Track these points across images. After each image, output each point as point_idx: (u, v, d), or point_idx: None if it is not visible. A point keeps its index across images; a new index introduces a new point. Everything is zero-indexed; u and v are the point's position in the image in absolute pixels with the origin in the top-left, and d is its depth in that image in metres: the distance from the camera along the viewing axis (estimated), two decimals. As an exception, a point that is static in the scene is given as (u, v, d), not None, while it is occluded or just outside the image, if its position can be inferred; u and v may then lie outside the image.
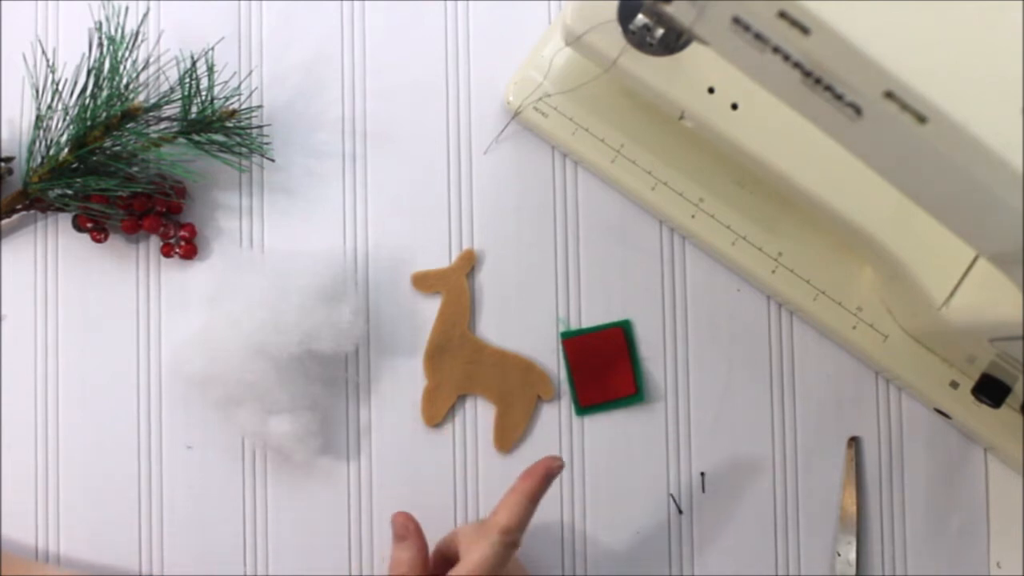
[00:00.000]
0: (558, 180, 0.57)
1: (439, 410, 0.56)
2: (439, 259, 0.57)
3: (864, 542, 0.57)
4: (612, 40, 0.47)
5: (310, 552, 0.55)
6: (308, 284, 0.52)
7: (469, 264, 0.56)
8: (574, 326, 0.56)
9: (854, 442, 0.57)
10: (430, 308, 0.56)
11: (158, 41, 0.57)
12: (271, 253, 0.56)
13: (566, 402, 0.56)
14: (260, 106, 0.57)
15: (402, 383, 0.56)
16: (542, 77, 0.55)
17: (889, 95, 0.32)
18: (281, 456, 0.55)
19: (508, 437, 0.56)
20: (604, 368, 0.55)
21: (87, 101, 0.53)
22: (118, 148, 0.53)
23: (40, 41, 0.57)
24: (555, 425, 0.56)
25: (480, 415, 0.56)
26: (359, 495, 0.56)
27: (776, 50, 0.34)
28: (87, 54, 0.54)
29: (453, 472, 0.56)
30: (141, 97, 0.56)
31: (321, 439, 0.55)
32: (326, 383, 0.55)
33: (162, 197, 0.55)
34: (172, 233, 0.56)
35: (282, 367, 0.52)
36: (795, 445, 0.57)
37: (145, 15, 0.57)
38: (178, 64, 0.56)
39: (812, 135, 0.38)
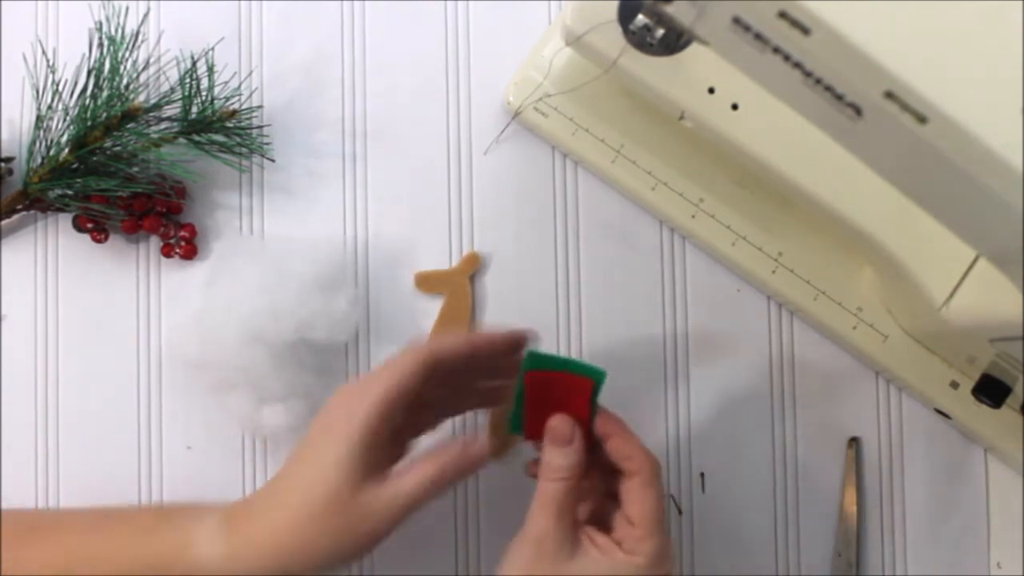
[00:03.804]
0: (558, 180, 0.57)
1: (504, 446, 0.56)
2: (439, 259, 0.57)
3: (864, 542, 0.57)
4: (612, 40, 0.47)
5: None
6: (306, 272, 0.52)
7: (473, 267, 0.56)
8: (562, 337, 0.56)
9: (854, 442, 0.57)
10: (430, 305, 0.56)
11: (158, 41, 0.57)
12: (270, 240, 0.56)
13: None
14: (260, 106, 0.57)
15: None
16: (542, 77, 0.55)
17: (889, 95, 0.32)
18: (273, 445, 0.55)
19: (501, 443, 0.56)
20: (561, 412, 0.47)
21: (87, 101, 0.53)
22: (118, 148, 0.53)
23: (40, 41, 0.57)
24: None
25: (479, 416, 0.56)
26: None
27: (776, 50, 0.34)
28: (87, 54, 0.54)
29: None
30: (141, 97, 0.56)
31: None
32: (320, 372, 0.55)
33: (162, 197, 0.55)
34: (172, 233, 0.56)
35: (277, 354, 0.52)
36: (795, 445, 0.57)
37: (145, 15, 0.57)
38: (178, 64, 0.56)
39: (812, 135, 0.38)
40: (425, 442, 0.49)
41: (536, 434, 0.47)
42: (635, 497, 0.44)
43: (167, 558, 0.43)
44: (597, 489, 0.48)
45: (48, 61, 0.56)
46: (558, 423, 0.45)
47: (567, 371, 0.46)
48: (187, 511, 0.45)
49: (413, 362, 0.43)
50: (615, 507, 0.46)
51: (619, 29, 0.47)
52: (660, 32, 0.47)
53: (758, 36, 0.34)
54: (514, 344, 0.46)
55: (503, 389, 0.49)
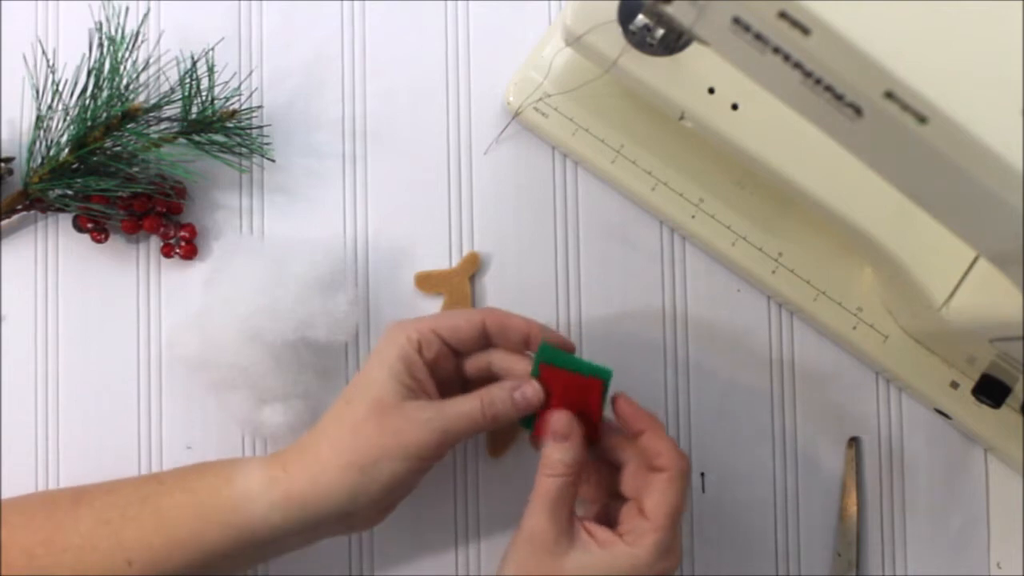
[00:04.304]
0: (558, 180, 0.57)
1: (503, 444, 0.56)
2: (439, 259, 0.57)
3: (864, 542, 0.57)
4: (612, 40, 0.47)
5: (309, 551, 0.55)
6: (306, 272, 0.52)
7: (473, 267, 0.56)
8: (573, 331, 0.56)
9: (854, 442, 0.57)
10: (430, 305, 0.56)
11: (158, 41, 0.57)
12: (270, 240, 0.56)
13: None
14: (260, 106, 0.57)
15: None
16: (542, 77, 0.55)
17: (889, 95, 0.32)
18: (273, 445, 0.55)
19: (500, 443, 0.56)
20: (573, 410, 0.47)
21: (87, 101, 0.53)
22: (118, 148, 0.53)
23: (40, 41, 0.57)
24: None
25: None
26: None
27: (776, 50, 0.34)
28: (87, 54, 0.54)
29: (453, 473, 0.56)
30: (141, 97, 0.56)
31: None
32: (319, 373, 0.55)
33: (162, 197, 0.55)
34: (172, 233, 0.56)
35: (276, 354, 0.52)
36: (795, 445, 0.57)
37: (145, 15, 0.57)
38: (178, 64, 0.56)
39: (812, 135, 0.38)
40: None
41: (545, 430, 0.47)
42: (657, 490, 0.44)
43: (210, 496, 0.44)
44: (603, 487, 0.48)
45: (48, 61, 0.56)
46: (557, 419, 0.45)
47: (577, 371, 0.46)
48: (231, 459, 0.47)
49: (467, 315, 0.47)
50: (620, 504, 0.46)
51: (619, 29, 0.47)
52: (660, 32, 0.47)
53: (758, 36, 0.34)
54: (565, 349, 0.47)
55: None
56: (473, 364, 0.48)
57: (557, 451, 0.45)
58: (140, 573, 0.44)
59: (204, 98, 0.53)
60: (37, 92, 0.54)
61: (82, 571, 0.43)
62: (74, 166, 0.53)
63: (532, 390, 0.46)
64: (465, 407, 0.45)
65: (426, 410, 0.44)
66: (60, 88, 0.53)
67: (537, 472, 0.45)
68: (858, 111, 0.34)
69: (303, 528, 0.44)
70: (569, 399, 0.46)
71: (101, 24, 0.54)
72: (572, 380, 0.46)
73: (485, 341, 0.48)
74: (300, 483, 0.44)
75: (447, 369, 0.48)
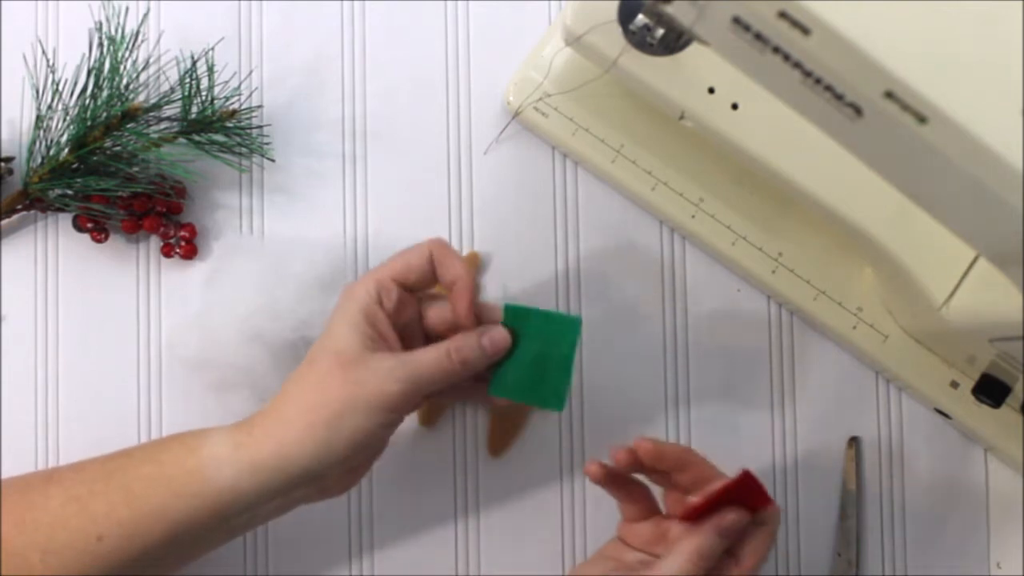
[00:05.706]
0: (558, 180, 0.57)
1: (435, 412, 0.56)
2: (439, 259, 0.57)
3: (864, 542, 0.57)
4: (612, 40, 0.47)
5: (309, 551, 0.55)
6: (306, 271, 0.52)
7: (473, 267, 0.56)
8: None
9: (854, 442, 0.57)
10: (430, 308, 0.56)
11: (158, 41, 0.57)
12: (270, 240, 0.56)
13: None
14: (260, 106, 0.57)
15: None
16: (542, 77, 0.55)
17: (889, 95, 0.32)
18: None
19: (500, 443, 0.56)
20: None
21: (87, 101, 0.53)
22: (118, 148, 0.54)
23: (40, 41, 0.57)
24: (553, 426, 0.56)
25: (479, 417, 0.56)
26: (358, 493, 0.56)
27: (776, 50, 0.34)
28: (87, 54, 0.54)
29: (453, 473, 0.56)
30: (141, 97, 0.56)
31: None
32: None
33: (162, 197, 0.55)
34: (172, 233, 0.56)
35: (276, 353, 0.52)
36: (795, 445, 0.57)
37: (145, 15, 0.57)
38: (178, 64, 0.56)
39: (812, 135, 0.38)
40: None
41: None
42: (756, 540, 0.44)
43: (176, 467, 0.44)
44: (644, 505, 0.48)
45: (48, 61, 0.56)
46: (734, 520, 0.43)
47: (546, 321, 0.46)
48: (198, 430, 0.46)
49: (415, 249, 0.46)
50: (660, 520, 0.47)
51: (619, 29, 0.47)
52: (660, 32, 0.47)
53: (758, 36, 0.34)
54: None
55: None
56: (436, 315, 0.47)
57: (719, 546, 0.43)
58: (111, 548, 0.43)
59: (204, 98, 0.53)
60: (37, 92, 0.54)
61: (53, 549, 0.43)
62: (74, 166, 0.53)
63: (500, 335, 0.46)
64: (431, 354, 0.44)
65: (390, 360, 0.43)
66: (60, 88, 0.53)
67: (685, 551, 0.43)
68: (858, 111, 0.34)
69: (273, 493, 0.43)
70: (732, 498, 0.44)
71: (101, 24, 0.54)
72: (726, 489, 0.43)
73: (435, 272, 0.47)
74: (266, 446, 0.43)
75: (409, 318, 0.47)
